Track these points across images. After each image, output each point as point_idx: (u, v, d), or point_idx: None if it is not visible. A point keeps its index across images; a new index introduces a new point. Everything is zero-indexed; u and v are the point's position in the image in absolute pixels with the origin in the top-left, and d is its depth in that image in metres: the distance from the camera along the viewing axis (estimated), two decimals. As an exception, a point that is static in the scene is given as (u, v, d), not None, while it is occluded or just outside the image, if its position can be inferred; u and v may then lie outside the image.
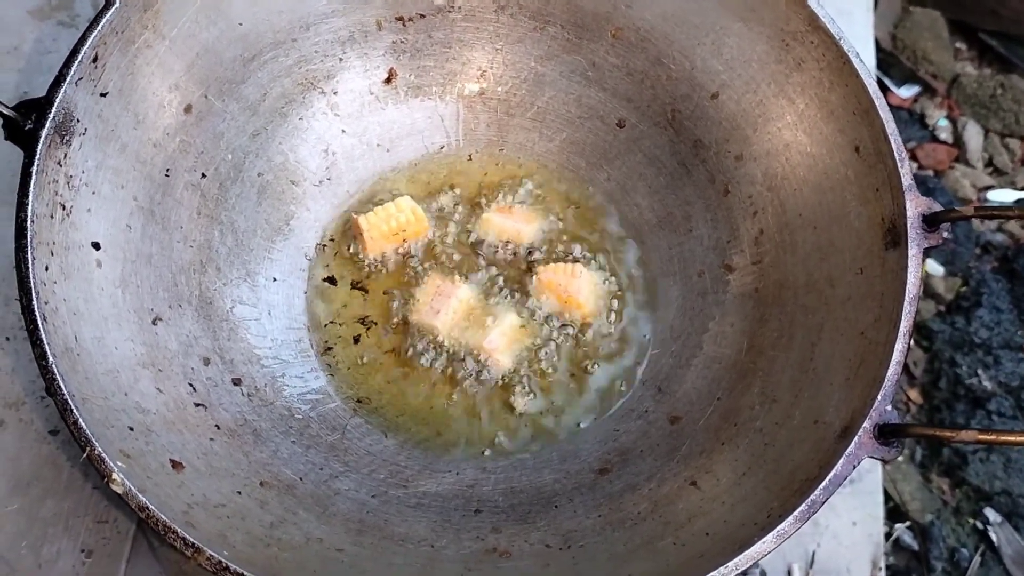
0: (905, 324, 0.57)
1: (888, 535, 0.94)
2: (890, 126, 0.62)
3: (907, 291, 0.58)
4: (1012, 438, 0.52)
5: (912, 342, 1.08)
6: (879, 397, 0.56)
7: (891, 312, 0.59)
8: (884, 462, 0.58)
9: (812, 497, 0.54)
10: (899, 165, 0.61)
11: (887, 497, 0.93)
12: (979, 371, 1.04)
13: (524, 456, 0.73)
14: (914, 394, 1.06)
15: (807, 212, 0.69)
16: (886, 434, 0.55)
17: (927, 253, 0.61)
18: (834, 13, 1.06)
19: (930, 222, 0.60)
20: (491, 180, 0.82)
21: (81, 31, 0.91)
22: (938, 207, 0.60)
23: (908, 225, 0.60)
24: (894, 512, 0.95)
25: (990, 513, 0.95)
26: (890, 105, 1.19)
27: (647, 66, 0.76)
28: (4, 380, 0.78)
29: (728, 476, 0.63)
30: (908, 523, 0.95)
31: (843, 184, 0.66)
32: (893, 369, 0.57)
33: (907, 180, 0.61)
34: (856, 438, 0.55)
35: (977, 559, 0.93)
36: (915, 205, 0.60)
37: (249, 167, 0.75)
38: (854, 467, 0.55)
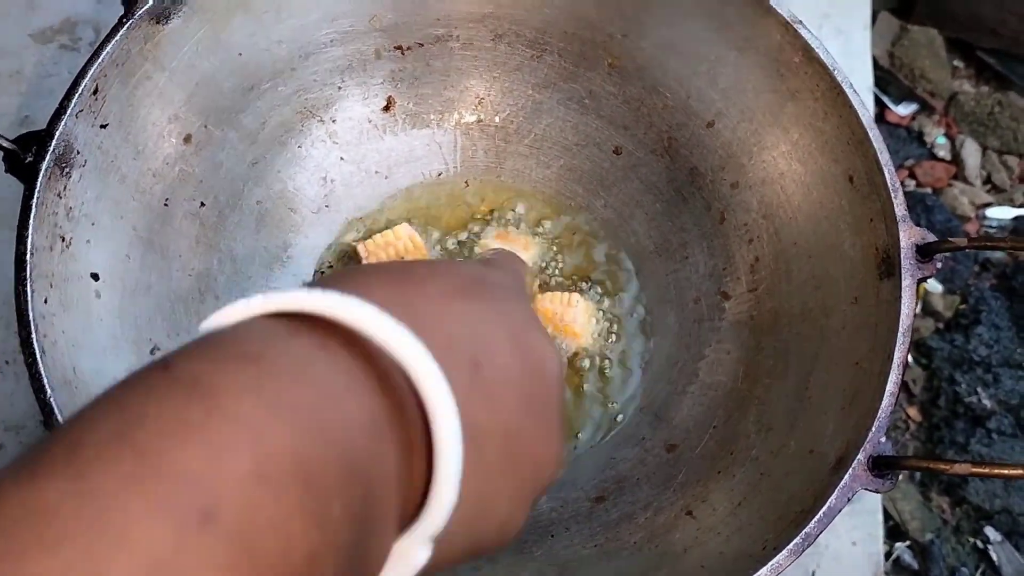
0: (899, 356, 0.57)
1: (888, 554, 0.93)
2: (883, 157, 0.62)
3: (900, 322, 0.58)
4: (1006, 471, 0.52)
5: (911, 360, 1.08)
6: (873, 429, 0.56)
7: (885, 342, 0.59)
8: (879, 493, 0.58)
9: (806, 530, 0.54)
10: (892, 195, 0.61)
11: (887, 516, 0.93)
12: (979, 389, 1.04)
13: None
14: (913, 412, 1.06)
15: (802, 240, 0.69)
16: (880, 466, 0.56)
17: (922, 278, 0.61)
18: (832, 32, 1.06)
19: (924, 253, 0.60)
20: (488, 206, 0.82)
21: (83, 54, 0.91)
22: (932, 238, 0.60)
23: (901, 256, 0.60)
24: (894, 531, 0.95)
25: (990, 532, 0.95)
26: (888, 123, 1.20)
27: (643, 94, 0.76)
28: (4, 404, 0.78)
29: (724, 506, 0.63)
30: (908, 542, 0.95)
31: (837, 213, 0.66)
32: (887, 401, 0.57)
33: (900, 211, 0.61)
34: (850, 470, 0.55)
35: (977, 579, 0.93)
36: (908, 236, 0.60)
37: (248, 195, 0.75)
38: (848, 499, 0.55)
